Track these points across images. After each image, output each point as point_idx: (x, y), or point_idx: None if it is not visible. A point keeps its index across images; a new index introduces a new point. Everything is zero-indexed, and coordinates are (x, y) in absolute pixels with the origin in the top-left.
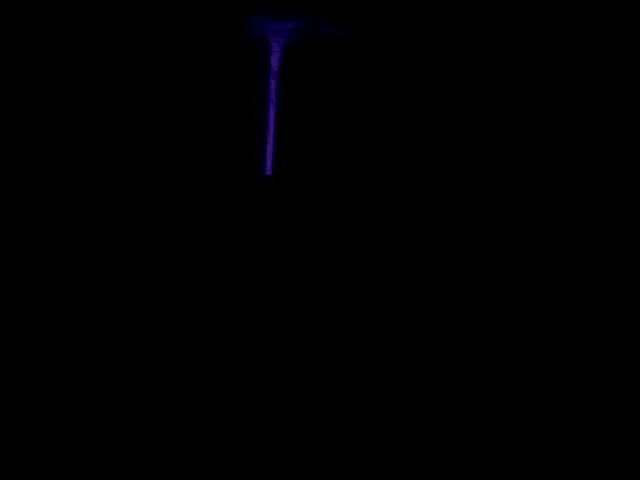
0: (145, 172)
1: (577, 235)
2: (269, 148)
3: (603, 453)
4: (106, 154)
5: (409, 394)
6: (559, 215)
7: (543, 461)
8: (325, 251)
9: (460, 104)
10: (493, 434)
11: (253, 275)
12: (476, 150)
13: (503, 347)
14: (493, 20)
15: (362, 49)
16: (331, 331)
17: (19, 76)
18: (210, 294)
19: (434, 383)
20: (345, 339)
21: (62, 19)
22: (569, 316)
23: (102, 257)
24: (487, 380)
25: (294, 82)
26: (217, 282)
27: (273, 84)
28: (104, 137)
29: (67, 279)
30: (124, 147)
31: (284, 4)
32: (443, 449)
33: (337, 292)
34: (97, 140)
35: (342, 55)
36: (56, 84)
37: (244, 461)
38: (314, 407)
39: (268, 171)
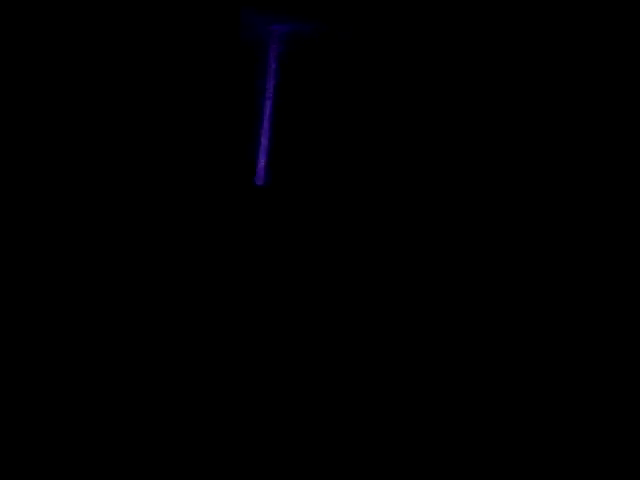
0: (130, 179)
1: (577, 235)
2: (262, 156)
3: (603, 453)
4: (94, 156)
5: (409, 394)
6: (560, 215)
7: (543, 461)
8: (321, 268)
9: (465, 110)
10: (493, 434)
11: (244, 297)
12: (483, 159)
13: (503, 347)
14: (493, 19)
15: (364, 52)
16: (326, 342)
17: (17, 71)
18: (201, 309)
19: (434, 383)
20: (339, 349)
21: (59, 14)
22: (569, 316)
23: (92, 267)
24: (487, 380)
25: (292, 86)
26: (207, 299)
27: (270, 87)
28: (93, 140)
29: (59, 288)
30: (113, 149)
31: (283, 5)
32: (443, 449)
33: (336, 308)
34: (86, 143)
35: (343, 59)
36: (45, 84)
37: (244, 461)
38: (313, 409)
39: (260, 181)
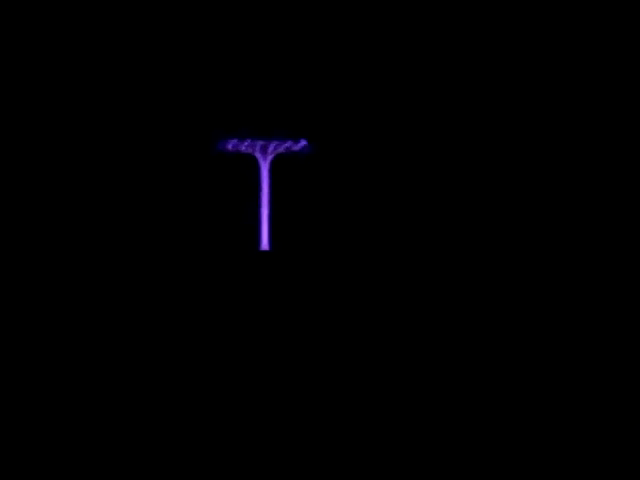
0: (140, 250)
1: (577, 237)
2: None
3: (603, 453)
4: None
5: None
6: (560, 219)
7: (543, 461)
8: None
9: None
10: (493, 434)
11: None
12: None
13: (503, 347)
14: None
15: (335, 164)
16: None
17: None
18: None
19: (434, 387)
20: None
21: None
22: (569, 316)
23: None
24: (487, 380)
25: (283, 194)
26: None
27: (264, 196)
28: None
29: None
30: (119, 225)
31: (268, 125)
32: (443, 449)
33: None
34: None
35: (323, 168)
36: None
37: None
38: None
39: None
